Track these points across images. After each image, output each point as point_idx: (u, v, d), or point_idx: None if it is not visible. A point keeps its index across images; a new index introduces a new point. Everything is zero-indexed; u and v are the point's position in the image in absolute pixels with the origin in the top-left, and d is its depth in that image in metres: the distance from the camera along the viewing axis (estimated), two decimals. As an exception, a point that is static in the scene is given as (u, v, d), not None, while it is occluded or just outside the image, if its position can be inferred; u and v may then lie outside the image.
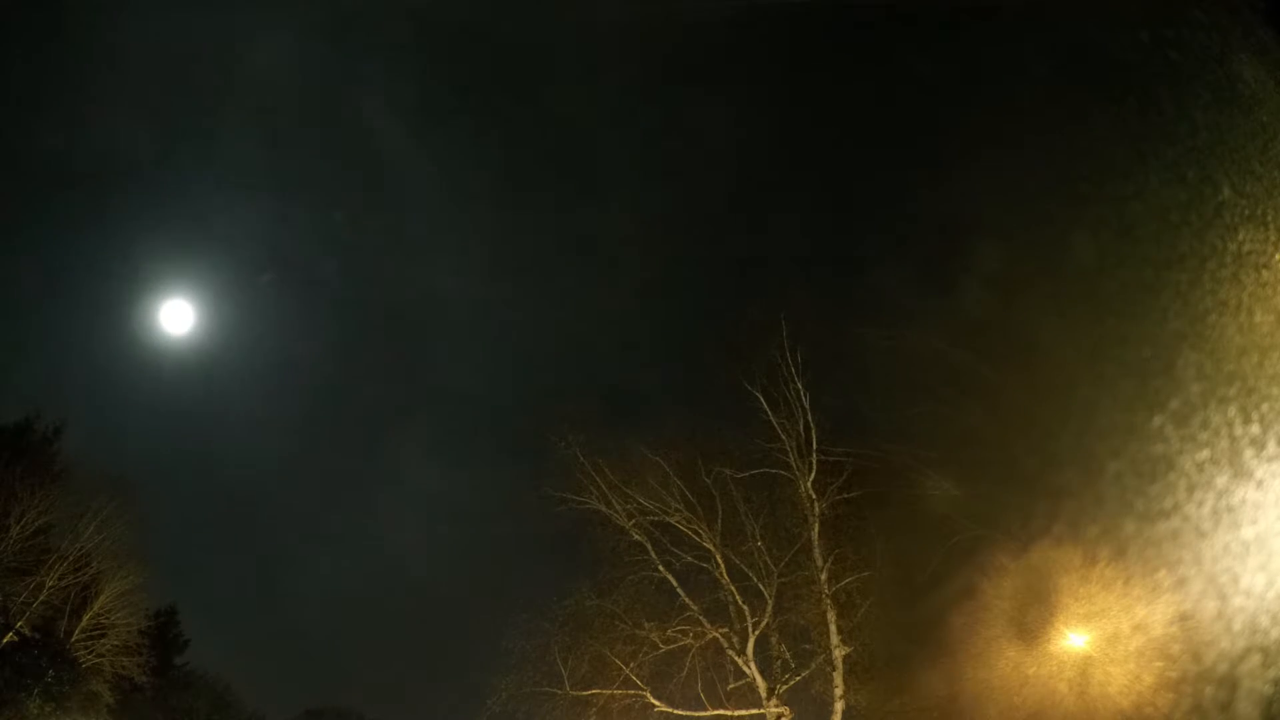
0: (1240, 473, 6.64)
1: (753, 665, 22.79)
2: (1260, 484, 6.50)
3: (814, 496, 22.56)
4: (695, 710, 22.90)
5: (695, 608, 23.26)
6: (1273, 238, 6.57)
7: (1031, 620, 17.01)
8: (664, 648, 23.01)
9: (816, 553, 22.48)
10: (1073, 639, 16.72)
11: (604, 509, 23.59)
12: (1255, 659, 6.68)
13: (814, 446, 22.66)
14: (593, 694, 22.91)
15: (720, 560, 23.15)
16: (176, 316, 35.69)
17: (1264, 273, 6.55)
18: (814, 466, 22.62)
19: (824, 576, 22.30)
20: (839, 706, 21.84)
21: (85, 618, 28.79)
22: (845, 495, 22.56)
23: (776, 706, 22.47)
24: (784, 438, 22.80)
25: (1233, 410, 6.71)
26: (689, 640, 23.05)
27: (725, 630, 23.03)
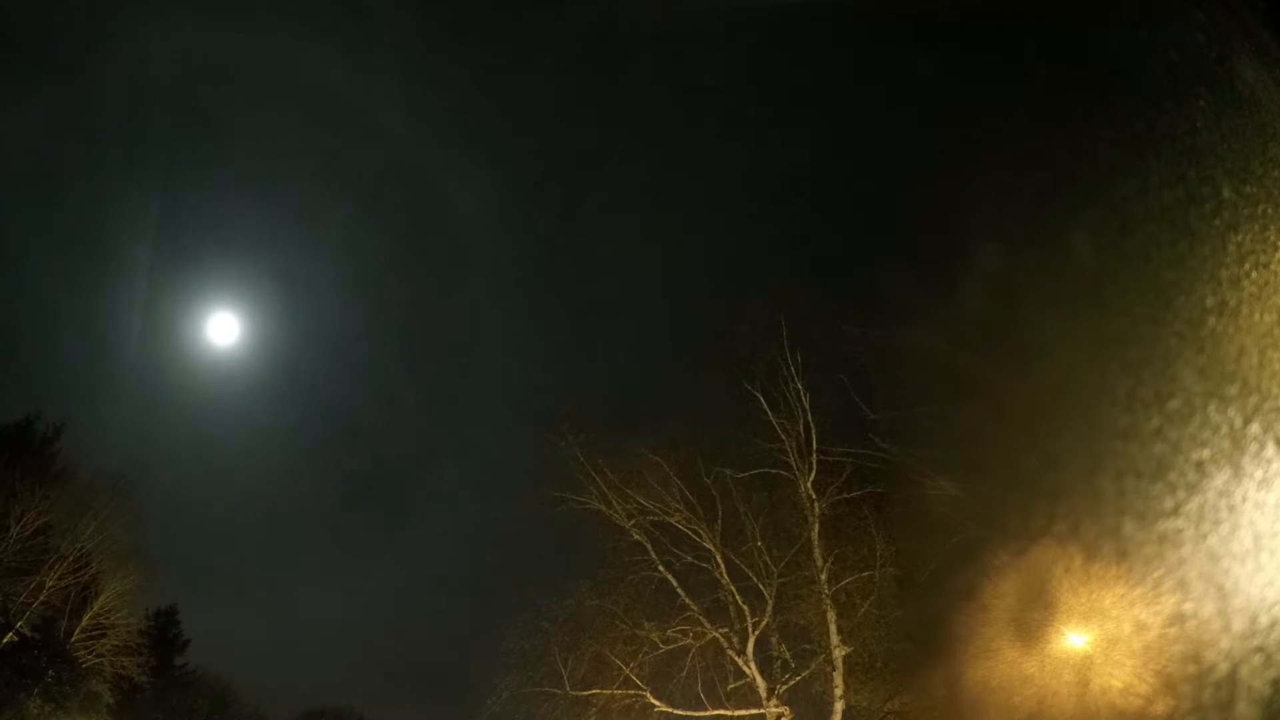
0: (1241, 473, 6.63)
1: (753, 665, 22.79)
2: (1261, 484, 6.49)
3: (814, 496, 22.56)
4: (695, 710, 22.90)
5: (695, 608, 23.26)
6: (1272, 238, 6.56)
7: (1031, 620, 17.00)
8: (664, 648, 23.02)
9: (816, 553, 22.48)
10: (1073, 639, 16.72)
11: (604, 509, 23.60)
12: (1255, 659, 6.67)
13: (814, 446, 22.66)
14: (593, 694, 22.91)
15: (720, 560, 23.15)
16: (223, 328, 36.64)
17: (1264, 272, 6.54)
18: (814, 466, 22.62)
19: (824, 576, 22.30)
20: (839, 706, 21.85)
21: (85, 618, 28.81)
22: (845, 495, 22.57)
23: (776, 706, 22.47)
24: (784, 438, 22.80)
25: (1233, 410, 6.69)
26: (689, 640, 23.05)
27: (725, 630, 23.03)
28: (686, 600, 23.30)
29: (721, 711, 22.83)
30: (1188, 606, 7.72)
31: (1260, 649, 6.56)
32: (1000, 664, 17.30)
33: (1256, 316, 6.52)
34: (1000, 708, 17.27)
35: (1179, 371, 7.46)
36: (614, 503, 23.51)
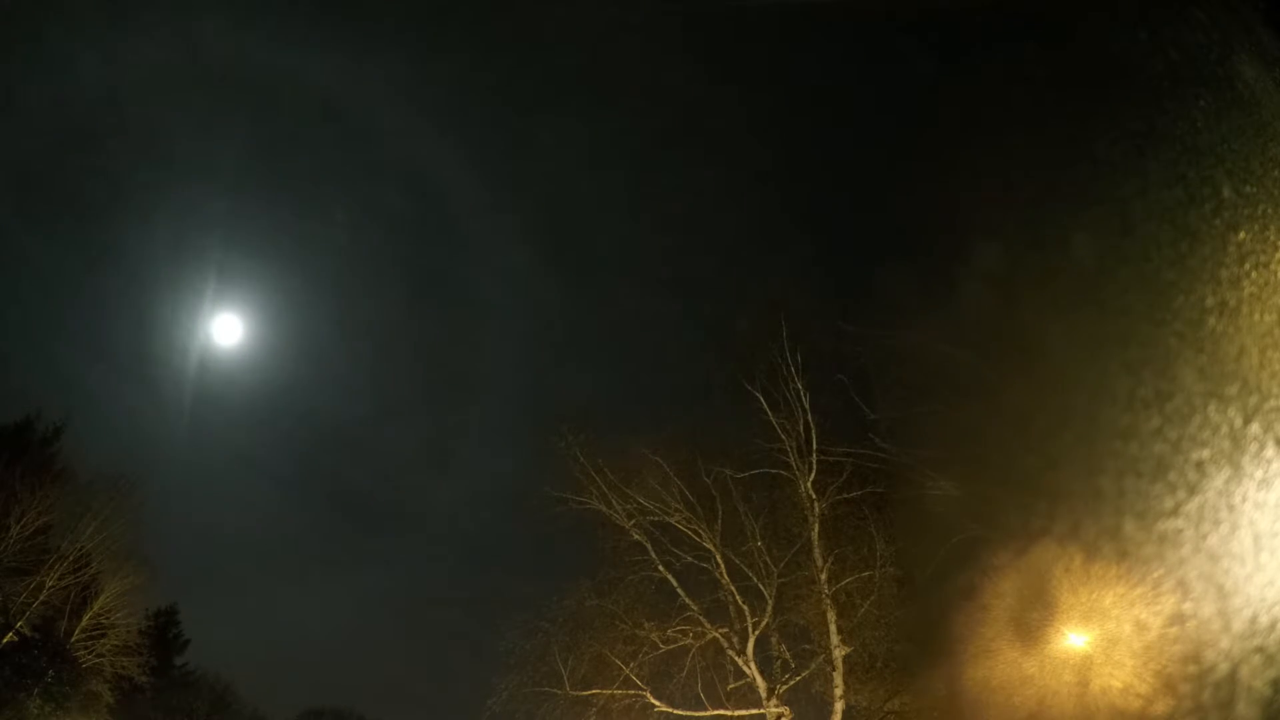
0: (1241, 473, 6.63)
1: (753, 665, 22.78)
2: (1261, 484, 6.49)
3: (814, 496, 22.55)
4: (695, 710, 22.89)
5: (695, 608, 23.25)
6: (1272, 238, 6.56)
7: (1031, 620, 17.00)
8: (664, 648, 22.99)
9: (816, 553, 22.47)
10: (1073, 639, 16.72)
11: (604, 509, 23.59)
12: (1255, 659, 6.67)
13: (814, 446, 22.64)
14: (593, 694, 22.90)
15: (720, 560, 23.14)
16: (226, 329, 36.89)
17: (1264, 272, 6.54)
18: (814, 466, 22.60)
19: (824, 576, 22.29)
20: (839, 706, 21.83)
21: (85, 618, 28.80)
22: (845, 495, 22.56)
23: (776, 706, 22.46)
24: (784, 438, 22.79)
25: (1233, 410, 6.69)
26: (689, 640, 23.03)
27: (725, 630, 23.02)
28: (686, 600, 23.29)
29: (721, 711, 22.81)
30: (1188, 606, 7.72)
31: (1260, 649, 6.56)
32: (1000, 664, 17.30)
33: (1256, 316, 6.51)
34: (1000, 708, 17.27)
35: (1179, 371, 7.46)
36: (614, 503, 23.50)
